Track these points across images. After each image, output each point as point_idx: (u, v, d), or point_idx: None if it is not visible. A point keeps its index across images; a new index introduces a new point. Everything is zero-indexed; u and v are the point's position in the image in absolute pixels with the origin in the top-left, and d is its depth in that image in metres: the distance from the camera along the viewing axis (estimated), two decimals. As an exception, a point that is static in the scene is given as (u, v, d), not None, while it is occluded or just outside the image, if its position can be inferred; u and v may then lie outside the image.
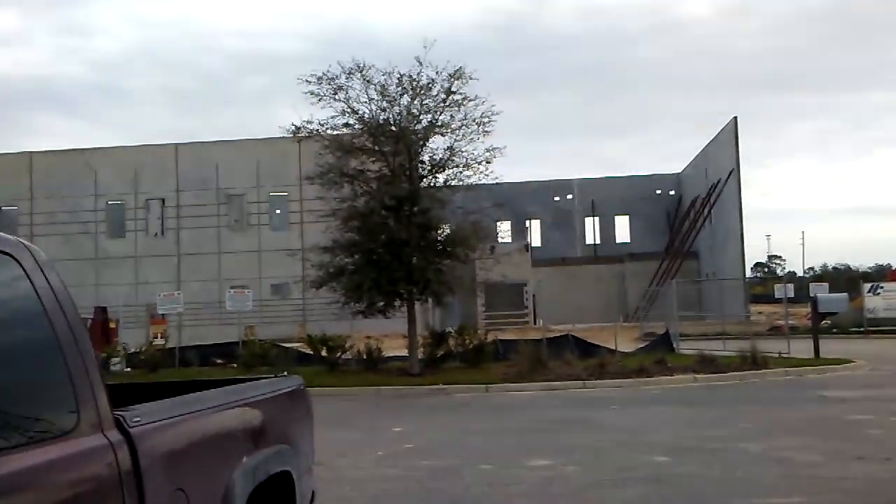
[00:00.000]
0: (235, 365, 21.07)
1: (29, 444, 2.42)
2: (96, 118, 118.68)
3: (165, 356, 22.41)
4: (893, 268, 65.02)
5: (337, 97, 18.94)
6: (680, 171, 62.29)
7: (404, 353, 20.25)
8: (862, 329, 31.82)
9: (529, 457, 9.29)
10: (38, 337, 2.72)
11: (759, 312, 44.94)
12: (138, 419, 2.98)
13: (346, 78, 18.88)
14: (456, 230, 19.93)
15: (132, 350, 22.92)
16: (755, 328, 31.17)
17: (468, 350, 20.49)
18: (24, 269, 2.73)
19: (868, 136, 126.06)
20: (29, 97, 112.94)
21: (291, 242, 38.77)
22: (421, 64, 18.64)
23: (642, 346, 24.70)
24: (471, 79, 18.87)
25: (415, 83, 18.75)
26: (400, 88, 18.89)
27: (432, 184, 19.81)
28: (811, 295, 26.75)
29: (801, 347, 21.12)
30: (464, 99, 18.95)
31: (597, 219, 62.80)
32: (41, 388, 2.67)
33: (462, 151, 19.42)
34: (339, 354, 20.68)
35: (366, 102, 19.16)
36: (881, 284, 34.70)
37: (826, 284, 36.48)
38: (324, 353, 20.70)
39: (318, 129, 19.15)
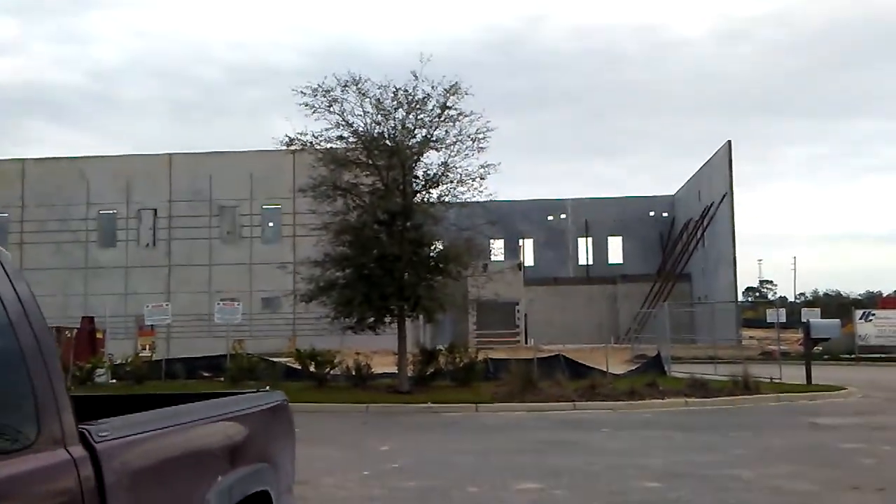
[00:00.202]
0: (223, 378, 20.80)
1: (-20, 459, 2.26)
2: (92, 127, 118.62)
3: (151, 368, 22.13)
4: (884, 295, 65.18)
5: (331, 109, 18.88)
6: (674, 193, 62.46)
7: (394, 369, 20.03)
8: (853, 356, 31.76)
9: (518, 479, 9.10)
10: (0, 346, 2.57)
11: (751, 337, 44.87)
12: (105, 434, 2.82)
13: (342, 90, 18.82)
14: (449, 247, 19.79)
15: (118, 361, 22.63)
16: (747, 353, 31.07)
17: (458, 368, 20.30)
18: (-11, 275, 2.59)
19: (859, 163, 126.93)
20: (25, 105, 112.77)
21: (283, 255, 38.55)
22: (417, 78, 18.62)
23: (633, 368, 24.55)
24: (466, 94, 18.86)
25: (410, 97, 18.69)
26: (395, 102, 18.82)
27: (426, 199, 19.69)
28: (803, 320, 26.70)
29: (793, 373, 21.00)
30: (459, 114, 18.91)
31: (590, 239, 62.82)
32: (-2, 400, 2.51)
33: (456, 167, 19.36)
34: (327, 370, 20.45)
35: (360, 115, 19.11)
36: (873, 311, 34.71)
37: (818, 310, 36.48)
38: (312, 368, 20.47)
39: (311, 142, 19.05)
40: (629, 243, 61.89)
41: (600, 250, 62.86)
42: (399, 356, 19.50)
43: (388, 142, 18.96)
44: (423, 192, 19.68)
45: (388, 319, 19.47)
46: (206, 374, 22.34)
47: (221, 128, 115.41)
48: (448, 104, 18.73)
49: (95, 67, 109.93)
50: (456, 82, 18.79)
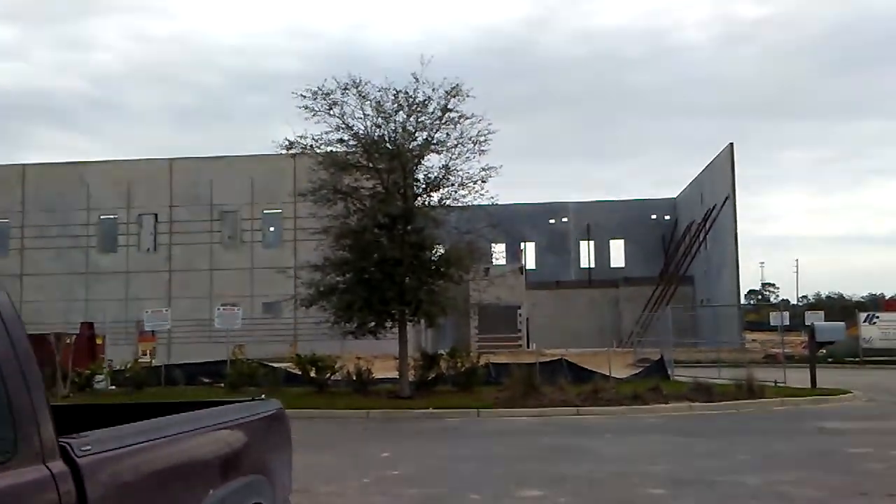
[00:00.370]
0: (223, 385, 20.66)
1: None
2: (94, 133, 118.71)
3: (151, 374, 21.99)
4: (887, 297, 64.97)
5: (331, 112, 18.74)
6: (676, 196, 62.31)
7: (395, 374, 19.88)
8: (857, 359, 31.56)
9: (520, 487, 8.96)
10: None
11: (753, 340, 44.70)
12: (87, 448, 2.69)
13: (342, 93, 18.68)
14: (450, 250, 19.64)
15: (117, 367, 22.49)
16: (750, 356, 30.90)
17: (460, 373, 20.16)
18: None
19: (862, 166, 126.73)
20: (26, 111, 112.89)
21: (285, 260, 38.41)
22: (417, 80, 18.49)
23: (636, 372, 24.38)
24: (467, 96, 18.72)
25: (411, 100, 18.56)
26: (396, 105, 18.69)
27: (427, 202, 19.55)
28: (807, 323, 26.56)
29: (797, 377, 20.84)
30: (460, 117, 18.76)
31: (592, 242, 62.68)
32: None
33: (458, 170, 19.20)
34: (328, 375, 20.31)
35: (361, 118, 18.97)
36: (877, 314, 34.51)
37: (822, 313, 36.30)
38: (313, 373, 20.33)
39: (311, 145, 18.92)
40: (631, 246, 61.75)
41: (602, 254, 62.71)
42: (400, 361, 19.36)
43: (388, 145, 18.83)
44: (424, 196, 19.54)
45: (389, 324, 19.33)
46: (206, 380, 22.20)
47: (223, 133, 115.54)
48: (449, 106, 18.61)
49: (97, 73, 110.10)
50: (457, 84, 18.70)
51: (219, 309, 24.15)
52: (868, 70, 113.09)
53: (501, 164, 19.39)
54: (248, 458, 4.14)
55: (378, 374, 20.74)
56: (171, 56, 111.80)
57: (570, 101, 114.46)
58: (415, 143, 18.96)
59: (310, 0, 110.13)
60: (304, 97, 18.64)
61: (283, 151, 19.09)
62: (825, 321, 29.31)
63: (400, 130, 18.86)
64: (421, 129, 18.90)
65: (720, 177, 49.42)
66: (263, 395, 5.05)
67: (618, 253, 62.80)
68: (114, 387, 21.24)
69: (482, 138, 18.94)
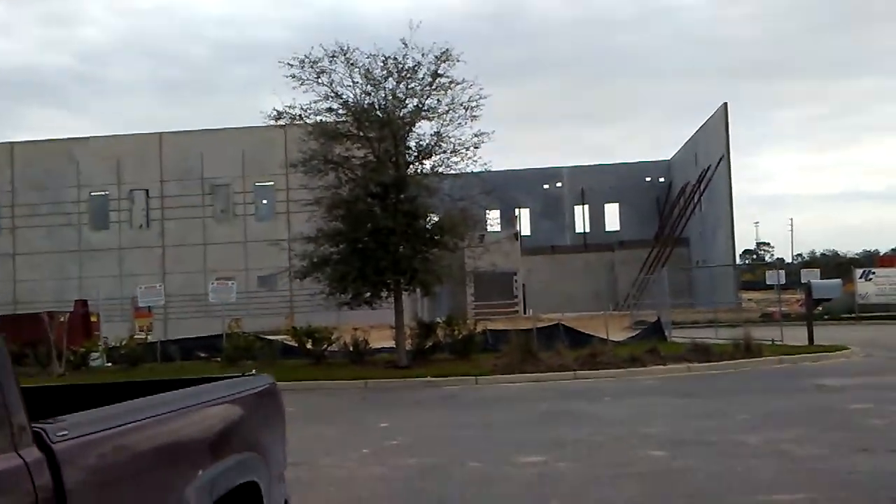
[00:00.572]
0: (219, 359, 20.59)
1: None
2: (82, 109, 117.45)
3: (147, 350, 21.91)
4: (881, 254, 65.16)
5: (320, 81, 18.41)
6: (670, 157, 62.04)
7: (392, 344, 19.83)
8: (853, 315, 31.65)
9: (520, 453, 8.91)
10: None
11: (749, 299, 44.83)
12: (64, 433, 2.55)
13: (329, 61, 18.33)
14: (444, 218, 19.47)
15: (112, 344, 22.39)
16: (746, 315, 30.96)
17: (457, 341, 20.11)
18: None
19: (855, 123, 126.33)
20: (13, 89, 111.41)
21: (278, 233, 38.20)
22: (406, 46, 18.15)
23: (634, 334, 24.41)
24: (458, 61, 18.40)
25: (400, 66, 18.23)
26: (385, 72, 18.36)
27: (419, 170, 19.33)
28: (803, 281, 26.57)
29: (794, 334, 20.87)
30: (451, 82, 18.45)
31: (586, 207, 62.54)
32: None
33: (449, 137, 18.94)
34: (324, 347, 20.25)
35: (350, 86, 18.65)
36: (873, 270, 34.53)
37: (817, 271, 36.35)
38: (309, 345, 20.26)
39: (300, 115, 18.62)
40: (626, 210, 61.63)
41: (597, 218, 62.61)
42: (396, 330, 19.29)
43: (378, 112, 18.54)
44: (417, 164, 19.31)
45: (384, 294, 19.23)
46: (202, 355, 22.13)
47: (212, 106, 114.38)
48: (439, 72, 18.29)
49: (83, 49, 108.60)
50: (447, 49, 18.36)
51: (213, 283, 24.01)
52: (861, 27, 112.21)
53: (493, 130, 19.14)
54: (240, 435, 4.02)
55: (375, 345, 20.70)
56: (157, 29, 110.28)
57: (561, 65, 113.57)
58: (405, 111, 18.68)
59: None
60: (292, 66, 18.33)
61: (272, 122, 18.81)
62: (821, 279, 29.35)
63: (390, 98, 18.56)
64: (411, 96, 18.61)
65: (714, 137, 49.16)
66: (254, 371, 4.92)
67: (613, 216, 62.71)
68: (110, 364, 21.16)
69: (473, 104, 18.69)
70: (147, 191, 45.30)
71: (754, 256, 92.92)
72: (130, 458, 2.89)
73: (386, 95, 18.59)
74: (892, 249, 71.24)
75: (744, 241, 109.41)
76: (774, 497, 6.72)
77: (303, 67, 18.30)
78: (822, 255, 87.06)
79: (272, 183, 43.64)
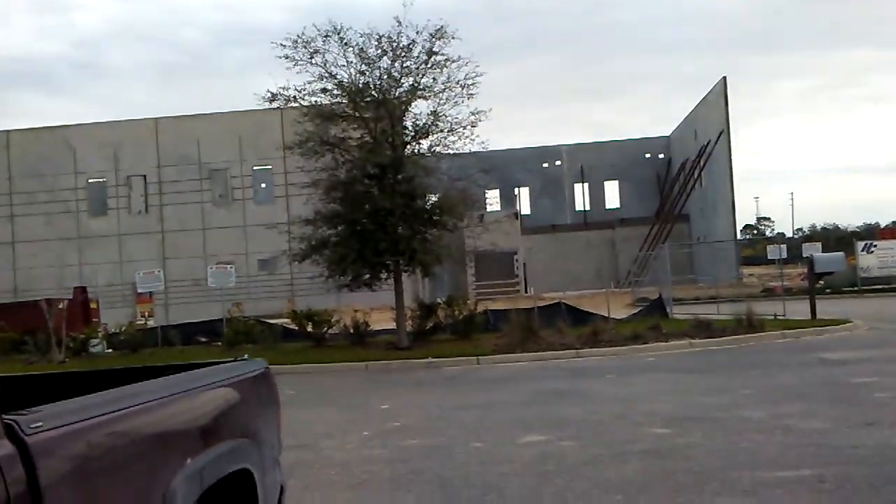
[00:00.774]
0: (220, 343, 20.55)
1: None
2: (79, 96, 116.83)
3: (147, 336, 21.87)
4: (882, 226, 64.97)
5: (313, 61, 18.20)
6: (669, 133, 61.68)
7: (393, 326, 19.76)
8: (856, 288, 31.56)
9: (523, 432, 8.83)
10: None
11: (751, 275, 44.78)
12: (38, 425, 2.42)
13: (323, 41, 18.13)
14: (442, 198, 19.33)
15: (112, 331, 22.34)
16: (748, 291, 30.90)
17: (458, 321, 20.04)
18: None
19: (854, 94, 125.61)
20: (9, 77, 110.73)
21: (277, 216, 38.06)
22: (400, 24, 17.91)
23: (635, 311, 24.33)
24: (453, 38, 18.17)
25: (395, 44, 18.01)
26: (379, 51, 18.17)
27: (416, 151, 19.15)
28: (805, 255, 26.41)
29: (797, 309, 20.78)
30: (446, 60, 18.26)
31: (586, 185, 62.28)
32: None
33: (446, 116, 18.78)
34: (325, 329, 20.19)
35: (344, 66, 18.46)
36: (874, 243, 34.41)
37: (819, 244, 36.15)
38: (309, 328, 20.20)
39: (295, 96, 18.42)
40: (626, 187, 61.38)
41: (597, 195, 62.38)
42: (397, 312, 19.21)
43: (374, 92, 18.35)
44: (414, 144, 19.15)
45: (384, 275, 19.13)
46: (203, 340, 22.09)
47: (209, 90, 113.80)
48: (434, 49, 18.09)
49: (78, 35, 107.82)
50: (441, 26, 18.14)
51: (211, 268, 23.91)
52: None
53: (491, 108, 18.97)
54: (232, 421, 3.91)
55: (376, 326, 20.64)
56: (152, 13, 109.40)
57: (558, 42, 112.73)
58: (401, 90, 18.48)
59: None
60: (285, 47, 18.10)
61: (266, 104, 18.62)
62: (822, 252, 29.18)
63: (385, 77, 18.37)
64: (406, 75, 18.41)
65: (714, 112, 48.82)
66: (247, 356, 4.80)
67: (613, 194, 62.48)
68: (110, 350, 21.13)
69: (470, 82, 18.50)
70: (145, 177, 45.12)
71: (755, 231, 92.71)
72: (112, 449, 2.77)
73: (381, 75, 18.40)
74: (893, 222, 71.07)
75: (744, 216, 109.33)
76: (779, 473, 6.63)
77: (296, 48, 18.11)
78: (823, 228, 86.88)
79: (270, 166, 43.44)
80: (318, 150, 18.79)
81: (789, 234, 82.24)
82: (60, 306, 20.69)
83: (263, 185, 45.72)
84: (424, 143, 19.13)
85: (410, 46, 18.09)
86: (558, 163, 62.77)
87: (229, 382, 4.10)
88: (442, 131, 18.85)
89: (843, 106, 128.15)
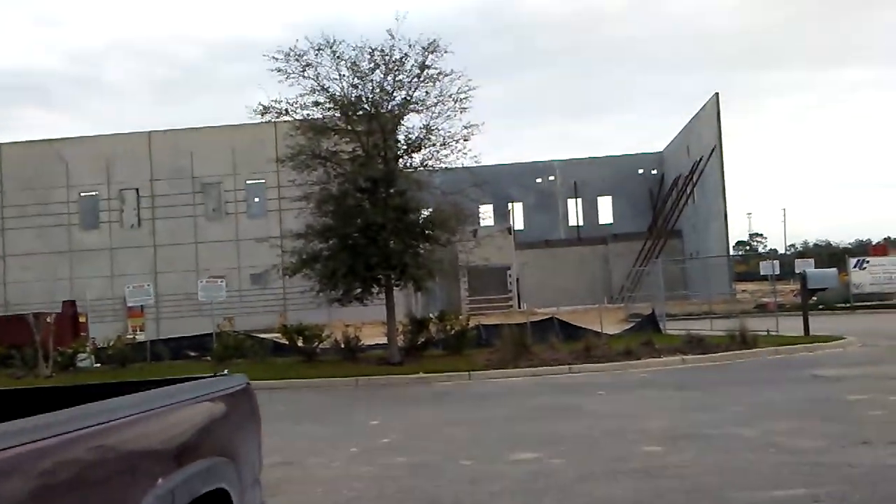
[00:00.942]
0: (209, 358, 20.34)
1: None
2: (73, 110, 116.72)
3: (136, 350, 21.63)
4: (873, 243, 65.13)
5: (306, 74, 18.15)
6: (662, 149, 61.87)
7: (385, 341, 19.60)
8: (848, 305, 31.53)
9: (514, 449, 8.70)
10: None
11: (744, 291, 44.72)
12: (-7, 444, 2.30)
13: (315, 54, 18.07)
14: (435, 212, 19.24)
15: (100, 345, 22.10)
16: (741, 307, 30.82)
17: (450, 336, 19.89)
18: None
19: (845, 112, 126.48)
20: (4, 91, 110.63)
21: (270, 230, 37.92)
22: (393, 37, 17.88)
23: (628, 327, 24.22)
24: (445, 52, 18.15)
25: (387, 57, 17.96)
26: (372, 64, 18.10)
27: (409, 164, 19.08)
28: (797, 271, 26.41)
29: (789, 325, 20.71)
30: (439, 74, 18.22)
31: (579, 200, 62.35)
32: None
33: (439, 130, 18.71)
34: (316, 344, 20.00)
35: (336, 79, 18.38)
36: (867, 259, 34.41)
37: (812, 260, 36.23)
38: (300, 343, 20.02)
39: (287, 109, 18.33)
40: (619, 202, 61.46)
41: (590, 211, 62.43)
42: (388, 326, 19.06)
43: (366, 106, 18.29)
44: (406, 158, 19.07)
45: (375, 290, 18.99)
46: (192, 355, 21.87)
47: (204, 106, 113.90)
48: (427, 63, 18.06)
49: (74, 49, 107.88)
50: (434, 40, 18.11)
51: (202, 282, 23.72)
52: (850, 16, 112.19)
53: (483, 122, 18.90)
54: (208, 440, 3.79)
55: (367, 341, 20.46)
56: (148, 29, 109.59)
57: (551, 59, 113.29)
58: (393, 103, 18.44)
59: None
60: (277, 59, 18.05)
61: (258, 117, 18.54)
62: (815, 269, 29.18)
63: (377, 90, 18.31)
64: (399, 88, 18.36)
65: (706, 128, 48.98)
66: (227, 371, 4.67)
67: (606, 209, 62.55)
68: (98, 365, 20.89)
69: (462, 95, 18.46)
70: (137, 190, 44.95)
71: (748, 247, 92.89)
72: (75, 470, 2.64)
73: (373, 88, 18.34)
74: (885, 239, 71.31)
75: (736, 232, 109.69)
76: (774, 493, 6.52)
77: (288, 61, 18.05)
78: (815, 245, 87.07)
79: (264, 180, 43.32)
80: (310, 163, 18.70)
81: (782, 250, 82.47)
82: (49, 320, 20.47)
83: (257, 199, 45.60)
84: (417, 157, 19.09)
85: (403, 60, 18.08)
86: (552, 178, 62.85)
87: (207, 398, 3.98)
88: (434, 145, 18.81)
89: (835, 123, 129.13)
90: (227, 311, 30.97)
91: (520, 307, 40.21)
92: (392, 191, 18.31)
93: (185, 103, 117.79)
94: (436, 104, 18.55)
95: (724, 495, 6.51)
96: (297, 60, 18.02)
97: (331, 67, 18.28)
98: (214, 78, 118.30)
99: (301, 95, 18.32)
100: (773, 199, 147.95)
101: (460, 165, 19.39)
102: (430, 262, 18.89)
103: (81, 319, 24.72)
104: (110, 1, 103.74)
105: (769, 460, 7.56)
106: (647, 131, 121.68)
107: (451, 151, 18.83)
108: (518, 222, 60.81)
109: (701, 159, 49.21)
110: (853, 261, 34.07)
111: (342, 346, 19.80)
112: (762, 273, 30.06)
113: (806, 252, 72.22)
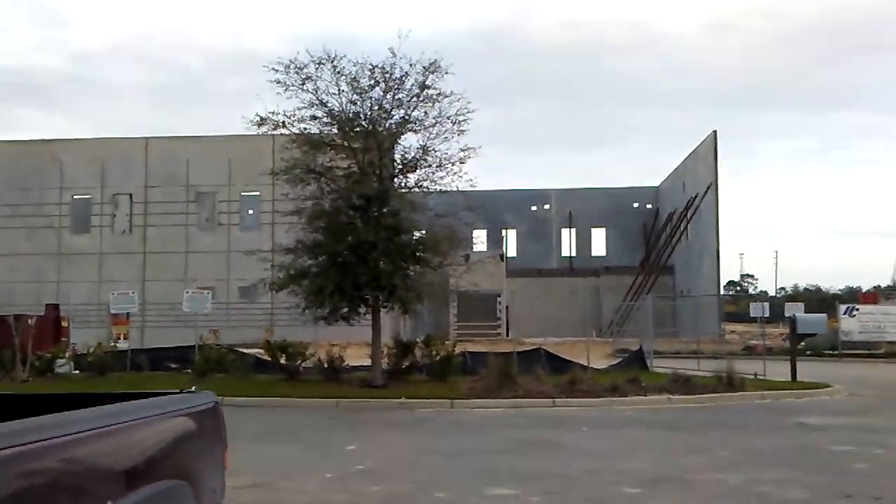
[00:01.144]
0: (189, 371, 20.02)
1: None
2: (72, 112, 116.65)
3: (116, 359, 21.28)
4: (864, 290, 65.23)
5: (305, 87, 18.05)
6: (658, 184, 62.05)
7: (369, 362, 19.34)
8: (836, 352, 31.42)
9: (490, 484, 8.49)
10: None
11: (732, 331, 44.62)
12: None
13: (316, 68, 17.99)
14: (427, 235, 19.07)
15: (81, 351, 21.74)
16: (729, 347, 30.69)
17: (434, 362, 19.65)
18: None
19: (842, 158, 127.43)
20: (4, 89, 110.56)
21: (262, 243, 37.57)
22: (395, 55, 17.83)
23: (615, 362, 24.03)
24: (446, 73, 18.09)
25: (387, 75, 17.90)
26: (372, 81, 18.03)
27: (403, 184, 18.95)
28: (787, 315, 26.27)
29: (777, 369, 20.54)
30: (438, 94, 18.15)
31: (573, 230, 62.36)
32: None
33: (435, 151, 18.62)
34: (299, 362, 19.72)
35: (335, 94, 18.29)
36: (856, 306, 34.35)
37: (802, 304, 36.12)
38: (283, 360, 19.73)
39: (284, 121, 18.22)
40: (613, 235, 61.49)
41: (584, 242, 62.43)
42: (373, 348, 18.81)
43: (364, 122, 18.19)
44: (401, 177, 18.94)
45: (362, 310, 18.76)
46: (173, 366, 21.53)
47: (204, 115, 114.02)
48: (427, 83, 17.98)
49: (76, 51, 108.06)
50: (435, 60, 18.06)
51: (187, 292, 23.44)
52: (850, 61, 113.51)
53: (480, 146, 18.82)
54: (166, 461, 3.60)
55: (352, 362, 20.20)
56: (152, 36, 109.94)
57: (552, 89, 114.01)
58: (391, 122, 18.35)
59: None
60: (276, 70, 17.96)
61: (255, 128, 18.41)
62: (805, 313, 29.06)
63: (376, 108, 18.23)
64: (398, 107, 18.28)
65: (702, 166, 49.14)
66: (194, 388, 4.48)
67: (599, 241, 62.56)
68: (77, 371, 20.54)
69: (461, 118, 18.39)
70: (131, 195, 44.69)
71: (738, 288, 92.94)
72: (14, 491, 2.46)
73: (372, 105, 18.27)
74: (875, 287, 71.43)
75: (728, 271, 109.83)
76: (755, 544, 6.33)
77: (288, 73, 17.96)
78: (806, 289, 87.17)
79: (258, 193, 43.13)
80: (304, 177, 18.55)
81: (772, 292, 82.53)
82: (30, 322, 20.13)
83: (251, 212, 45.36)
84: (412, 178, 18.96)
85: (403, 78, 18.02)
86: (547, 206, 62.90)
87: (170, 416, 3.80)
88: (430, 166, 18.70)
89: (831, 168, 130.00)
90: (214, 323, 30.64)
91: (507, 335, 39.98)
92: (385, 210, 18.15)
93: (183, 111, 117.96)
94: (434, 125, 18.50)
95: (703, 544, 6.32)
96: (298, 73, 17.96)
97: (330, 82, 18.24)
98: (215, 87, 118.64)
99: (299, 108, 18.25)
100: (765, 240, 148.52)
101: (455, 188, 19.28)
102: (420, 285, 18.70)
103: (64, 324, 24.35)
104: (114, 3, 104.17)
105: (752, 509, 7.38)
106: (644, 165, 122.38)
107: (447, 173, 18.76)
108: (511, 249, 60.74)
109: (696, 196, 49.33)
110: (843, 307, 34.00)
111: (325, 365, 19.53)
112: (752, 314, 29.91)
113: (796, 296, 72.19)
